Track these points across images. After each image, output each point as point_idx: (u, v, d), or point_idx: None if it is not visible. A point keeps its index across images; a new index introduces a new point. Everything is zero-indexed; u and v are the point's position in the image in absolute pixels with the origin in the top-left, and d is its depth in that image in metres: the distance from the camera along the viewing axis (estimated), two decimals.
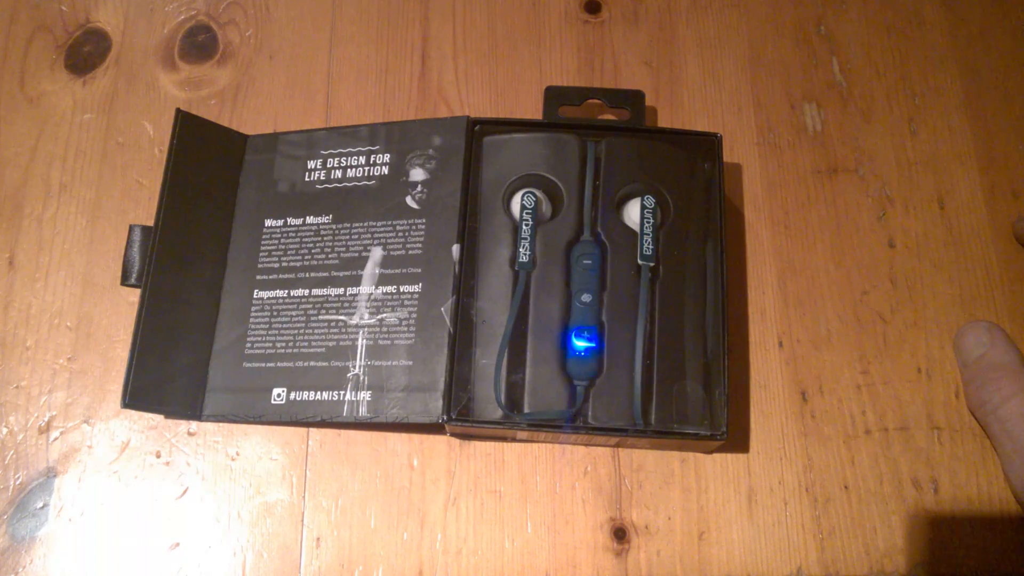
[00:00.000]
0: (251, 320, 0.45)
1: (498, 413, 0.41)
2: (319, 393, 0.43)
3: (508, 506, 0.43)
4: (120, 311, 0.47)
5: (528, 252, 0.43)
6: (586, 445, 0.44)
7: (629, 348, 0.41)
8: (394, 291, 0.44)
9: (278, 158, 0.48)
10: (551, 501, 0.43)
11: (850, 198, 0.49)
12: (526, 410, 0.41)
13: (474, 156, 0.45)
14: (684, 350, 0.41)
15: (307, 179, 0.47)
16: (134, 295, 0.46)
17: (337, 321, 0.44)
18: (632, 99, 0.46)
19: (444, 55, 0.52)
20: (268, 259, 0.46)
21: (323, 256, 0.45)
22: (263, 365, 0.44)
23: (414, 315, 0.43)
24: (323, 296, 0.45)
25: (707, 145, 0.45)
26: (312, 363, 0.43)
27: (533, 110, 0.50)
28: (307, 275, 0.45)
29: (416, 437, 0.44)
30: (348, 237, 0.45)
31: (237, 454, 0.44)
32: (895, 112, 0.50)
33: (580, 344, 0.41)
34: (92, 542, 0.43)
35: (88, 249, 0.48)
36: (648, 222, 0.43)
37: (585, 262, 0.43)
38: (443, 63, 0.52)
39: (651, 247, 0.42)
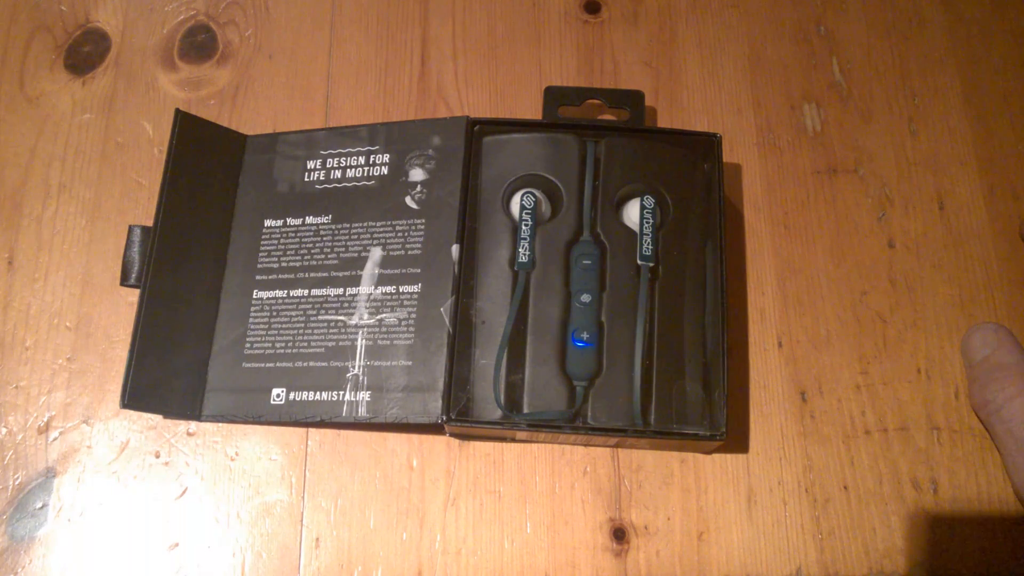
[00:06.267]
0: (250, 320, 0.45)
1: (497, 413, 0.41)
2: (318, 393, 0.43)
3: (507, 506, 0.43)
4: (119, 311, 0.47)
5: (527, 252, 0.43)
6: (585, 445, 0.43)
7: (628, 348, 0.41)
8: (393, 291, 0.44)
9: (277, 158, 0.48)
10: (550, 501, 0.43)
11: (850, 198, 0.49)
12: (525, 410, 0.41)
13: (473, 156, 0.45)
14: (683, 350, 0.41)
15: (306, 179, 0.47)
16: (133, 295, 0.46)
17: (336, 321, 0.44)
18: (632, 99, 0.46)
19: (443, 55, 0.52)
20: (267, 259, 0.46)
21: (322, 256, 0.45)
22: (262, 365, 0.44)
23: (413, 315, 0.43)
24: (322, 296, 0.45)
25: (707, 145, 0.45)
26: (311, 363, 0.43)
27: (533, 110, 0.50)
28: (306, 275, 0.45)
29: (415, 437, 0.44)
30: (347, 237, 0.45)
31: (236, 454, 0.44)
32: (895, 112, 0.50)
33: (579, 344, 0.41)
34: (91, 542, 0.43)
35: (87, 249, 0.48)
36: (647, 222, 0.43)
37: (585, 262, 0.43)
38: (442, 63, 0.52)
39: (650, 247, 0.42)
